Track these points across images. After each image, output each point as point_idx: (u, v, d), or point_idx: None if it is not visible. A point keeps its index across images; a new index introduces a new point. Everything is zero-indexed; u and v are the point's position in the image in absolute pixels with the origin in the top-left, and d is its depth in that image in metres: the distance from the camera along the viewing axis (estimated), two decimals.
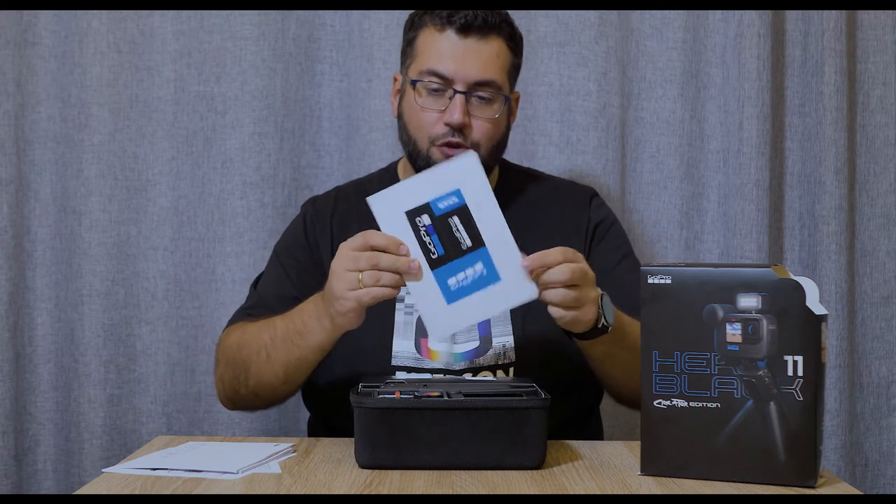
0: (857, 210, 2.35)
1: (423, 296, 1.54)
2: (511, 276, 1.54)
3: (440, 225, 1.53)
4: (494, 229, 1.54)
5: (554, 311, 1.56)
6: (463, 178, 1.54)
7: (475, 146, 1.81)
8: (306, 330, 1.67)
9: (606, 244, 1.90)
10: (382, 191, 1.55)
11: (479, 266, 1.54)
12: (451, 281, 1.54)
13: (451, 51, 1.79)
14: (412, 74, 1.83)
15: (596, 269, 1.85)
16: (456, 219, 1.54)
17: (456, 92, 1.78)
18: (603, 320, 1.61)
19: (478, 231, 1.54)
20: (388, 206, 1.54)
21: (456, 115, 1.78)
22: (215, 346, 1.87)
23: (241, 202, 2.27)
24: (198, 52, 2.28)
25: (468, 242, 1.54)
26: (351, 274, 1.55)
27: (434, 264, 1.54)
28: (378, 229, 1.55)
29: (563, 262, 1.54)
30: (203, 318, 2.29)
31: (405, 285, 1.55)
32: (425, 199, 1.53)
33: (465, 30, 1.79)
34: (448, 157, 1.79)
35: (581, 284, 1.55)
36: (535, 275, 1.53)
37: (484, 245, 1.54)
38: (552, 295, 1.54)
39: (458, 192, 1.53)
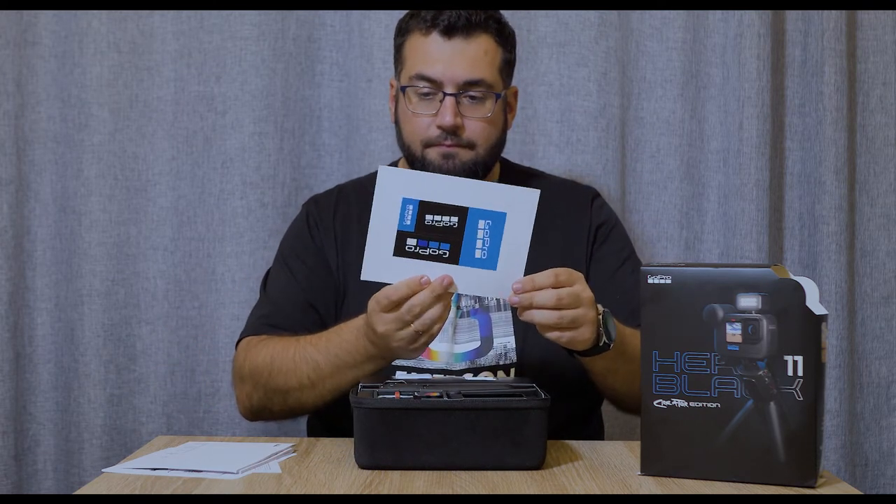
0: (857, 210, 2.35)
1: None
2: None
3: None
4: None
5: (551, 335, 1.55)
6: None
7: (471, 146, 1.80)
8: (361, 364, 1.65)
9: (608, 247, 1.90)
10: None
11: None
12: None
13: (437, 53, 1.79)
14: (402, 81, 1.83)
15: (597, 272, 1.85)
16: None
17: (445, 94, 1.78)
18: (604, 339, 1.60)
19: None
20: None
21: (447, 118, 1.78)
22: (234, 358, 1.84)
23: (241, 202, 2.27)
24: (198, 52, 2.27)
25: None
26: (402, 332, 1.55)
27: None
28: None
29: (555, 285, 1.53)
30: (203, 318, 2.29)
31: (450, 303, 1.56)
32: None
33: (449, 31, 1.78)
34: (441, 153, 1.79)
35: (573, 307, 1.54)
36: (524, 298, 1.52)
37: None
38: (540, 316, 1.53)
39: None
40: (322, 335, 1.71)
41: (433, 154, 1.81)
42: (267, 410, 1.80)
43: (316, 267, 1.88)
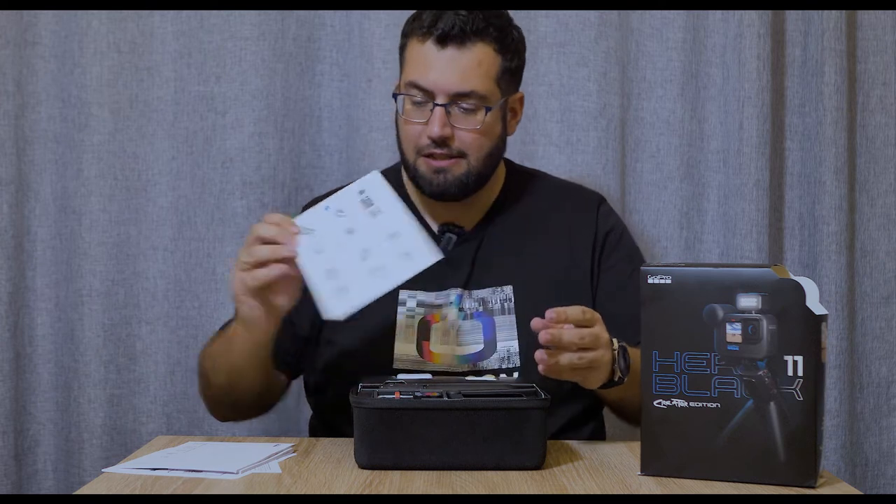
0: (857, 210, 2.35)
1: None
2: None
3: None
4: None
5: (573, 376, 1.56)
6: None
7: (461, 156, 1.79)
8: (235, 335, 1.69)
9: (617, 255, 1.89)
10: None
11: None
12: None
13: (430, 62, 1.76)
14: (401, 87, 1.81)
15: (608, 282, 1.86)
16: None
17: (435, 105, 1.76)
18: (618, 374, 1.61)
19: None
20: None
21: (435, 129, 1.76)
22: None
23: (241, 202, 2.27)
24: (198, 52, 2.27)
25: None
26: (239, 265, 1.61)
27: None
28: None
29: (580, 322, 1.54)
30: (203, 318, 2.29)
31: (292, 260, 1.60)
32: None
33: (442, 40, 1.75)
34: (432, 168, 1.79)
35: (592, 348, 1.55)
36: (551, 334, 1.52)
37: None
38: (566, 359, 1.53)
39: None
40: None
41: (424, 167, 1.79)
42: (212, 403, 1.86)
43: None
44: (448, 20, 1.75)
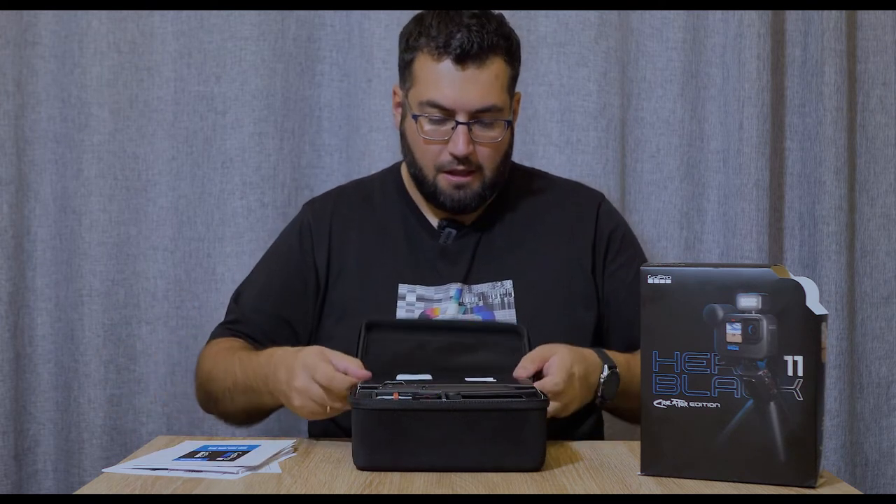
0: (857, 210, 2.36)
1: None
2: None
3: None
4: None
5: (566, 402, 1.62)
6: None
7: (480, 170, 1.80)
8: (261, 393, 1.68)
9: (622, 256, 1.89)
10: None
11: None
12: None
13: (448, 81, 1.75)
14: (413, 104, 1.79)
15: (615, 285, 1.87)
16: None
17: (458, 123, 1.76)
18: (598, 398, 1.68)
19: None
20: None
21: (460, 148, 1.76)
22: (198, 358, 1.89)
23: (241, 202, 2.27)
24: (198, 52, 2.28)
25: None
26: (307, 400, 1.57)
27: None
28: None
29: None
30: (203, 318, 2.29)
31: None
32: None
33: (462, 59, 1.74)
34: (452, 184, 1.79)
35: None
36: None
37: None
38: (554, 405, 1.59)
39: None
40: (254, 353, 1.74)
41: (444, 183, 1.80)
42: (209, 411, 1.86)
43: (296, 270, 1.88)
44: (463, 38, 1.73)
